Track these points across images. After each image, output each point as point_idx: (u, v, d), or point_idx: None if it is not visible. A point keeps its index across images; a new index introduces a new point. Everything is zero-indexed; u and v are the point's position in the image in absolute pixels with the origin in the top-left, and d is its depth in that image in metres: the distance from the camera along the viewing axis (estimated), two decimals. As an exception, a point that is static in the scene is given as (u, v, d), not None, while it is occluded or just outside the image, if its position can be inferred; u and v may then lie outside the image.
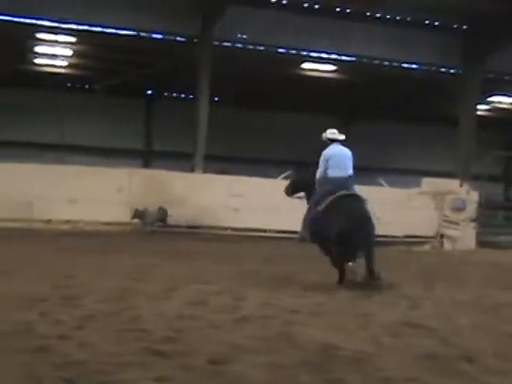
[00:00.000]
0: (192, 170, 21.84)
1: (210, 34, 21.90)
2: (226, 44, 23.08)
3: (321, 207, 9.15)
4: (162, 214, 19.16)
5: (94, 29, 22.00)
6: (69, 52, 24.99)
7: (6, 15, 21.03)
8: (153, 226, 19.10)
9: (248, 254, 14.01)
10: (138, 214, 18.96)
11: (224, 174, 21.84)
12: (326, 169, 9.51)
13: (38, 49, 24.68)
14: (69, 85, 30.72)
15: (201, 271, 10.24)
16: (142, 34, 22.49)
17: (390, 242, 18.40)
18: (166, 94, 32.51)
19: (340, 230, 8.80)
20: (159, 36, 22.70)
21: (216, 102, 26.38)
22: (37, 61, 26.61)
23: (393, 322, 6.70)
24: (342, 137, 9.95)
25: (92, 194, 18.72)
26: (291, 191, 10.41)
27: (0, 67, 26.81)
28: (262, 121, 31.15)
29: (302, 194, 10.22)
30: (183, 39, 22.91)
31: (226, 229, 19.68)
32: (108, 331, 5.74)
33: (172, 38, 22.91)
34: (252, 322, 6.49)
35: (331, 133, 9.92)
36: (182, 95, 31.72)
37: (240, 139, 30.78)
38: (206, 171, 21.73)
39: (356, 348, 5.44)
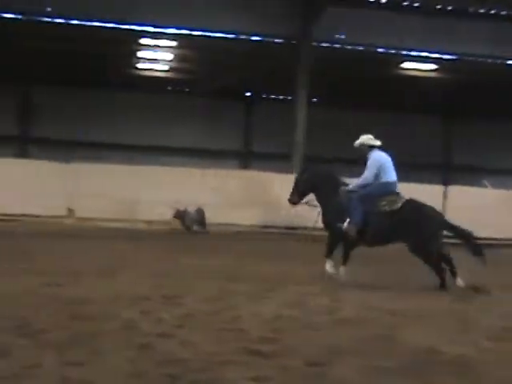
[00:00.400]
0: (291, 171, 21.86)
1: (309, 34, 21.88)
2: (324, 44, 22.99)
3: (389, 207, 9.35)
4: (200, 215, 18.93)
5: (193, 33, 22.40)
6: (170, 56, 25.55)
7: (112, 23, 21.73)
8: (191, 227, 18.74)
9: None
10: (179, 214, 18.63)
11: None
12: (377, 174, 9.59)
13: (141, 54, 25.37)
14: (169, 88, 31.41)
15: (297, 272, 10.24)
16: (241, 36, 22.71)
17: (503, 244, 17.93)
18: (264, 95, 32.70)
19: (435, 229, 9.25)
20: (258, 38, 22.86)
21: (314, 102, 26.31)
22: (139, 65, 27.35)
23: (493, 326, 6.53)
24: (379, 143, 9.98)
25: (192, 195, 19.04)
26: (298, 196, 10.05)
27: (106, 72, 27.77)
28: (360, 121, 30.80)
29: (310, 197, 10.01)
30: (282, 41, 22.98)
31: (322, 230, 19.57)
32: (207, 330, 5.84)
33: (271, 40, 23.02)
34: (351, 323, 6.45)
35: (369, 138, 9.98)
36: (281, 96, 31.82)
37: (339, 140, 30.55)
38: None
39: (457, 352, 5.32)
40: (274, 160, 26.34)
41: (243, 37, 22.75)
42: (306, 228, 19.41)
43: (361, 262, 12.24)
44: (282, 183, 20.03)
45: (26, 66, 27.70)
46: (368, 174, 9.63)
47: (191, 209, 18.67)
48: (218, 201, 19.47)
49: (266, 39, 22.94)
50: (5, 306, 6.32)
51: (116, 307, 6.62)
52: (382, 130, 30.90)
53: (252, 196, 19.68)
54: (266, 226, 19.56)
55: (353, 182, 9.92)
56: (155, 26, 22.07)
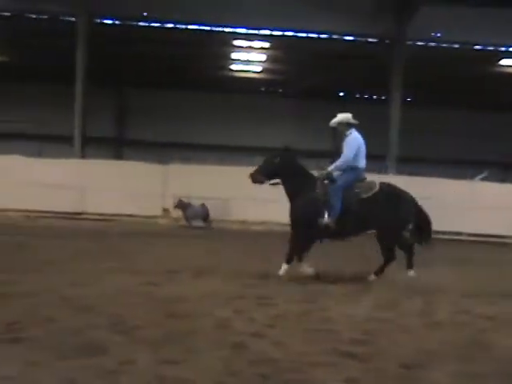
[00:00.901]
0: (385, 171, 21.59)
1: (403, 34, 21.56)
2: (419, 43, 22.60)
3: (366, 194, 8.98)
4: (204, 211, 18.59)
5: (287, 33, 22.46)
6: (263, 57, 25.71)
7: (207, 25, 22.08)
8: (193, 221, 18.40)
9: (437, 257, 13.59)
10: (181, 204, 18.28)
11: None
12: (356, 155, 9.19)
13: (234, 55, 25.64)
14: (262, 89, 31.63)
15: (390, 274, 10.07)
16: (334, 36, 22.62)
17: None
18: (357, 95, 32.43)
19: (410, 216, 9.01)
20: (351, 38, 22.71)
21: (409, 102, 25.91)
22: (233, 67, 27.65)
23: None
24: (355, 120, 9.45)
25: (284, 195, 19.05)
26: (264, 176, 9.33)
27: (200, 73, 28.23)
28: (457, 121, 30.16)
29: (276, 180, 9.43)
30: (375, 40, 22.74)
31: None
32: (299, 331, 5.84)
33: (364, 39, 22.82)
34: (444, 327, 6.31)
35: (348, 117, 9.44)
36: (374, 96, 31.49)
37: (433, 140, 29.99)
38: (399, 173, 21.32)
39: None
40: (368, 160, 26.08)
41: (336, 37, 22.65)
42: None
43: (455, 264, 11.99)
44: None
45: (122, 70, 28.53)
46: (348, 153, 9.18)
47: (195, 203, 18.52)
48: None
49: (359, 39, 22.76)
50: (102, 305, 6.51)
51: (210, 306, 6.71)
52: (478, 129, 30.32)
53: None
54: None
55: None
56: (249, 28, 22.28)
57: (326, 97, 31.37)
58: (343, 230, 8.95)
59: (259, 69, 27.94)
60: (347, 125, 9.35)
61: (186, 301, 6.90)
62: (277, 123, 31.30)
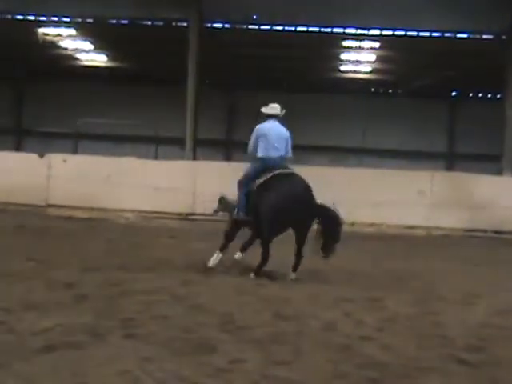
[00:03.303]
0: (499, 172, 20.85)
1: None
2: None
3: (257, 183, 8.63)
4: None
5: (397, 33, 22.10)
6: (372, 57, 25.43)
7: (315, 26, 22.07)
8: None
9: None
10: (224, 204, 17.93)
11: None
12: (256, 146, 8.87)
13: (344, 56, 25.48)
14: (372, 89, 31.30)
15: (506, 279, 9.74)
16: (447, 34, 22.06)
17: None
18: (471, 94, 31.53)
19: (275, 206, 8.34)
20: (464, 35, 22.07)
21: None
22: (342, 68, 27.49)
23: None
24: (281, 112, 9.08)
25: (394, 196, 18.78)
26: None
27: (310, 75, 28.28)
28: None
29: None
30: (490, 37, 22.00)
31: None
32: (409, 335, 5.73)
33: (478, 36, 22.13)
34: None
35: (272, 108, 9.11)
36: (489, 95, 30.52)
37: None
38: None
39: None
40: (482, 161, 25.37)
41: (448, 35, 22.08)
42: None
43: None
44: (490, 185, 19.25)
45: (234, 72, 28.97)
46: (249, 145, 9.15)
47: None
48: (424, 202, 19.04)
49: (473, 36, 22.08)
50: (213, 303, 6.63)
51: (318, 308, 6.69)
52: None
53: (456, 198, 19.00)
54: (472, 230, 18.80)
55: None
56: (358, 28, 22.08)
57: (438, 96, 30.73)
58: (251, 219, 8.88)
59: (369, 69, 27.63)
60: (266, 116, 9.21)
61: (294, 302, 6.92)
62: (388, 124, 30.89)
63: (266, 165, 8.87)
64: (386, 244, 15.31)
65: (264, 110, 9.28)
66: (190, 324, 5.69)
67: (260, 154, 8.97)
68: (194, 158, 21.30)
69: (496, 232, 18.67)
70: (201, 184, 19.23)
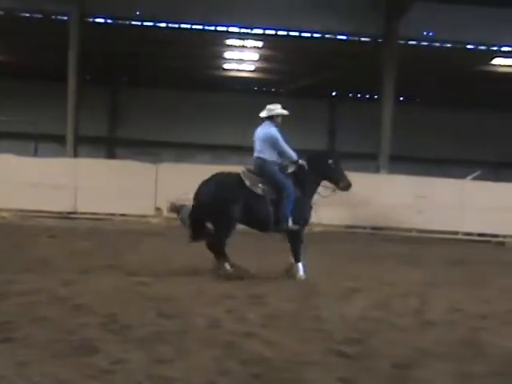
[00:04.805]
0: (377, 170, 21.60)
1: (395, 32, 21.52)
2: (411, 42, 22.59)
3: None
4: None
5: (279, 32, 22.43)
6: (255, 56, 25.67)
7: (199, 24, 22.04)
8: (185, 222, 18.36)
9: (435, 256, 13.65)
10: (175, 208, 18.36)
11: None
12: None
13: (227, 54, 25.59)
14: (255, 88, 31.59)
15: (384, 273, 10.10)
16: (327, 35, 22.59)
17: None
18: (350, 94, 32.45)
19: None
20: (344, 37, 22.69)
21: (401, 101, 25.98)
22: (225, 66, 27.60)
23: None
24: (263, 114, 9.61)
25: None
26: None
27: (193, 73, 28.20)
28: (449, 119, 30.24)
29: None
30: (368, 39, 22.73)
31: (410, 230, 19.25)
32: (291, 330, 5.84)
33: (356, 38, 22.80)
34: (438, 326, 6.33)
35: (265, 110, 9.71)
36: (367, 95, 31.51)
37: (425, 140, 30.04)
38: (391, 172, 21.27)
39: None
40: (359, 159, 26.19)
41: (329, 36, 22.62)
42: (392, 228, 19.29)
43: (450, 264, 12.03)
44: (367, 183, 19.91)
45: (117, 69, 28.50)
46: None
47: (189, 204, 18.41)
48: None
49: (352, 38, 22.73)
50: (95, 303, 6.51)
51: (201, 305, 6.70)
52: (471, 128, 30.29)
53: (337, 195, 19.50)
54: (351, 226, 19.38)
55: None
56: (241, 27, 22.24)
57: (318, 96, 31.41)
58: None
59: (252, 68, 27.87)
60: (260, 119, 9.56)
61: (177, 300, 6.90)
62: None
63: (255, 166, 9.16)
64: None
65: (263, 113, 9.65)
66: (72, 325, 5.57)
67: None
68: (76, 156, 20.79)
69: (374, 228, 19.34)
70: (83, 181, 18.84)
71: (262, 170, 9.06)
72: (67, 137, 20.91)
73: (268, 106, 9.63)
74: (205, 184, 8.98)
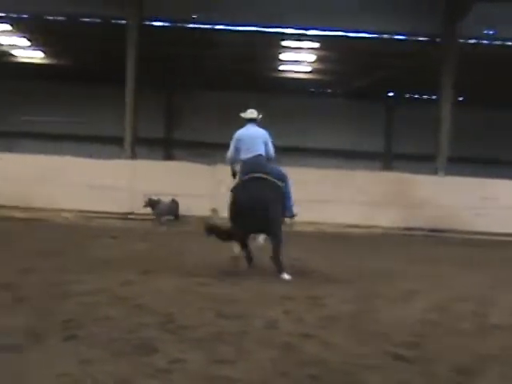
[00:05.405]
0: (435, 172, 21.30)
1: (454, 31, 21.20)
2: (471, 41, 22.21)
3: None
4: (173, 206, 18.48)
5: (336, 33, 22.33)
6: (312, 57, 25.62)
7: (254, 26, 22.12)
8: (163, 217, 18.37)
9: (496, 259, 13.39)
10: (151, 203, 18.40)
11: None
12: (237, 151, 9.34)
13: (283, 56, 25.61)
14: (312, 89, 31.54)
15: (445, 276, 9.97)
16: (385, 36, 22.40)
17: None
18: (407, 95, 32.11)
19: (236, 210, 8.77)
20: (402, 37, 22.46)
21: (461, 101, 25.57)
22: (281, 67, 27.63)
23: None
24: (254, 115, 9.65)
25: (333, 195, 19.05)
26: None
27: (250, 75, 28.31)
28: (509, 121, 29.65)
29: None
30: (426, 39, 22.44)
31: (471, 233, 18.92)
32: (350, 332, 5.82)
33: (414, 38, 22.54)
34: (502, 330, 6.21)
35: (249, 112, 9.73)
36: (424, 96, 31.12)
37: (486, 140, 29.53)
38: (449, 174, 20.98)
39: None
40: (418, 161, 25.88)
41: (386, 36, 22.42)
42: (451, 231, 19.02)
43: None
44: (426, 184, 19.69)
45: (174, 71, 28.80)
46: (229, 151, 9.56)
47: (165, 200, 18.45)
48: (364, 201, 19.33)
49: (410, 38, 22.48)
50: (154, 303, 6.60)
51: (260, 306, 6.73)
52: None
53: (394, 197, 19.36)
54: (409, 229, 19.19)
55: None
56: (297, 28, 22.22)
57: (375, 97, 31.17)
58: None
59: (308, 69, 27.83)
60: (245, 120, 9.76)
61: (236, 301, 6.94)
62: (327, 124, 31.23)
63: (244, 167, 9.22)
64: (327, 243, 15.46)
65: (243, 115, 9.77)
66: (131, 325, 5.66)
67: (241, 157, 9.33)
68: (133, 157, 21.09)
69: (432, 230, 19.10)
70: (140, 183, 19.11)
71: (265, 165, 9.25)
72: (125, 139, 21.22)
73: (249, 110, 9.86)
74: (250, 188, 8.92)
